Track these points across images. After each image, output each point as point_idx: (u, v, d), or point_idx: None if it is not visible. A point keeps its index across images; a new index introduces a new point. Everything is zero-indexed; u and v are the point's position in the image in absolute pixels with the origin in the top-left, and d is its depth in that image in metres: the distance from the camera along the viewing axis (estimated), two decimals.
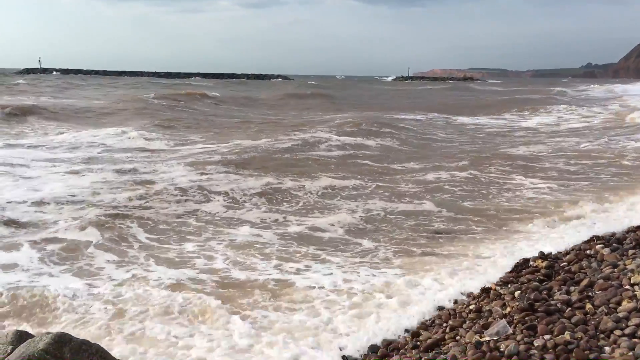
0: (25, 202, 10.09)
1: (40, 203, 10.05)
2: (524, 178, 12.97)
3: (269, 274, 6.93)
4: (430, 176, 13.37)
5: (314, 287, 6.41)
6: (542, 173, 13.65)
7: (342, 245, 8.26)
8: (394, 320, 5.41)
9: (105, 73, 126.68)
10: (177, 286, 6.43)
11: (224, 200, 10.74)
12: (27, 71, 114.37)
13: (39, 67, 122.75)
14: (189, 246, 8.04)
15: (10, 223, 8.87)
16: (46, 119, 24.61)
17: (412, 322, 5.37)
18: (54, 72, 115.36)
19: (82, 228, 8.60)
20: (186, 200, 10.66)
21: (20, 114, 24.73)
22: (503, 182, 12.74)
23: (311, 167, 14.32)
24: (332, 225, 9.24)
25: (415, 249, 7.93)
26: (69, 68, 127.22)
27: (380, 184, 12.44)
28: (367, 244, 8.29)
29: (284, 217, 9.74)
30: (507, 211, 10.02)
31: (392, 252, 7.82)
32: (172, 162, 14.65)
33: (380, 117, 27.32)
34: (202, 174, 12.95)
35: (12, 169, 13.28)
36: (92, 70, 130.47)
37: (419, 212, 10.10)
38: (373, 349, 4.93)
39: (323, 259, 7.52)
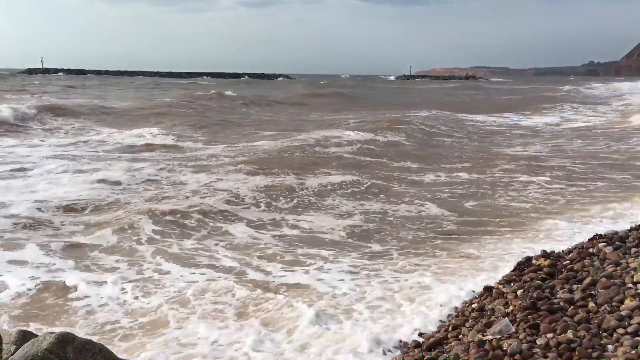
0: (33, 201, 10.13)
1: (55, 204, 10.07)
2: (547, 178, 12.83)
3: (282, 277, 6.90)
4: (456, 177, 13.32)
5: (333, 291, 6.34)
6: (555, 172, 13.63)
7: (353, 247, 8.23)
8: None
9: (107, 73, 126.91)
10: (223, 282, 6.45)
11: (241, 201, 10.68)
12: (30, 71, 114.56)
13: (41, 67, 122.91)
14: (212, 247, 8.07)
15: (20, 223, 8.91)
16: (71, 118, 24.55)
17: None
18: (59, 73, 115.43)
19: (96, 229, 8.67)
20: (200, 202, 10.66)
21: (50, 113, 24.70)
22: (521, 182, 12.66)
23: (338, 168, 14.28)
24: (344, 227, 9.23)
25: (435, 250, 7.88)
26: (71, 68, 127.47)
27: (394, 185, 12.42)
28: (379, 246, 8.27)
29: (296, 218, 9.76)
30: (526, 211, 10.03)
31: (405, 254, 7.77)
32: (191, 163, 14.74)
33: (403, 116, 27.47)
34: (222, 174, 13.00)
35: (25, 166, 13.54)
36: (94, 70, 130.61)
37: (429, 215, 10.06)
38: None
39: (334, 261, 7.46)
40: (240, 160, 14.71)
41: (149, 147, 17.72)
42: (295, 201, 10.82)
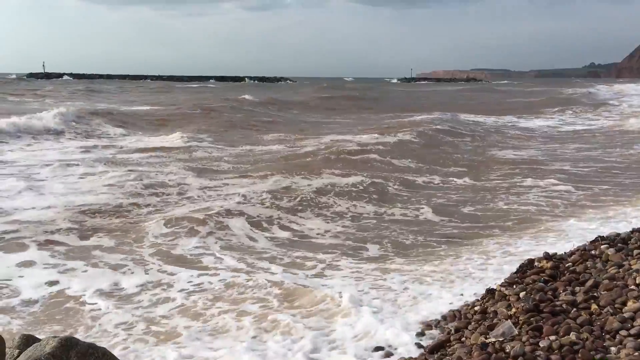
0: (43, 206, 10.17)
1: (72, 208, 10.09)
2: (557, 182, 12.68)
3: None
4: (465, 181, 13.27)
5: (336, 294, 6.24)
6: (566, 175, 13.61)
7: (355, 249, 8.25)
8: None
9: (109, 77, 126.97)
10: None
11: (252, 204, 10.58)
12: (32, 75, 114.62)
13: (43, 71, 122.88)
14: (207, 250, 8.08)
15: (27, 226, 8.89)
16: (105, 123, 24.23)
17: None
18: (64, 77, 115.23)
19: (106, 233, 8.71)
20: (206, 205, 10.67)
21: (88, 117, 24.56)
22: (532, 185, 12.56)
23: (360, 170, 14.23)
24: (349, 229, 9.26)
25: (437, 253, 7.88)
26: (73, 72, 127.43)
27: (405, 188, 12.41)
28: (380, 248, 8.30)
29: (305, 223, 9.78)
30: (531, 213, 10.03)
31: (407, 257, 7.77)
32: (206, 166, 14.91)
33: (424, 119, 27.70)
34: (237, 179, 13.04)
35: (38, 170, 13.74)
36: (97, 75, 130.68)
37: (431, 219, 10.06)
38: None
39: (332, 265, 7.44)
40: (256, 166, 14.85)
41: (173, 150, 17.74)
42: (306, 204, 10.71)
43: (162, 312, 5.94)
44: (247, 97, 41.40)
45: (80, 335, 5.17)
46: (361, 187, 12.02)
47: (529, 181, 12.76)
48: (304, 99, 46.52)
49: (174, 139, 20.41)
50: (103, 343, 4.99)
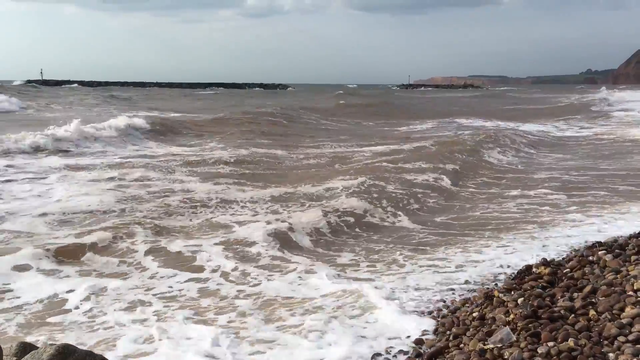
0: (39, 212, 10.12)
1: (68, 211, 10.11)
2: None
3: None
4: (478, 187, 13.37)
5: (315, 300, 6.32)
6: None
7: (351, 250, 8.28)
8: None
9: (107, 84, 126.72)
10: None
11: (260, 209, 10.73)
12: (31, 82, 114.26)
13: (40, 78, 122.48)
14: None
15: (25, 232, 8.85)
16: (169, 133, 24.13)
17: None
18: (68, 85, 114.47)
19: (104, 237, 8.57)
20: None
21: (163, 129, 24.43)
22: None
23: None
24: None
25: (435, 255, 7.92)
26: (71, 79, 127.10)
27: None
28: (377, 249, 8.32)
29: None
30: (527, 219, 10.00)
31: (408, 259, 7.81)
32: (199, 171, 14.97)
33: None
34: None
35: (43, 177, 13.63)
36: (95, 82, 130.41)
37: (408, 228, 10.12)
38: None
39: (310, 269, 7.39)
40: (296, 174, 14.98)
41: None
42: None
43: (162, 315, 5.92)
44: (279, 107, 40.59)
45: (78, 343, 5.13)
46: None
47: (518, 192, 12.74)
48: (325, 106, 45.54)
49: (233, 147, 20.06)
50: (101, 350, 4.98)
